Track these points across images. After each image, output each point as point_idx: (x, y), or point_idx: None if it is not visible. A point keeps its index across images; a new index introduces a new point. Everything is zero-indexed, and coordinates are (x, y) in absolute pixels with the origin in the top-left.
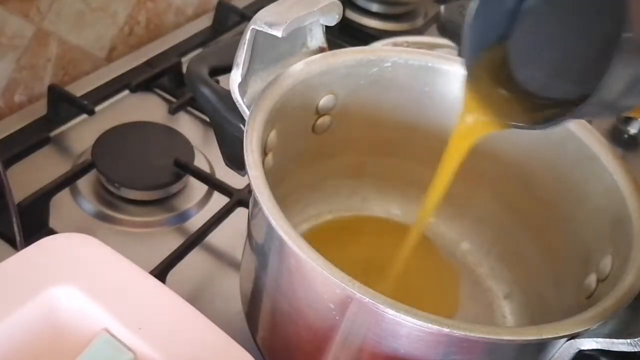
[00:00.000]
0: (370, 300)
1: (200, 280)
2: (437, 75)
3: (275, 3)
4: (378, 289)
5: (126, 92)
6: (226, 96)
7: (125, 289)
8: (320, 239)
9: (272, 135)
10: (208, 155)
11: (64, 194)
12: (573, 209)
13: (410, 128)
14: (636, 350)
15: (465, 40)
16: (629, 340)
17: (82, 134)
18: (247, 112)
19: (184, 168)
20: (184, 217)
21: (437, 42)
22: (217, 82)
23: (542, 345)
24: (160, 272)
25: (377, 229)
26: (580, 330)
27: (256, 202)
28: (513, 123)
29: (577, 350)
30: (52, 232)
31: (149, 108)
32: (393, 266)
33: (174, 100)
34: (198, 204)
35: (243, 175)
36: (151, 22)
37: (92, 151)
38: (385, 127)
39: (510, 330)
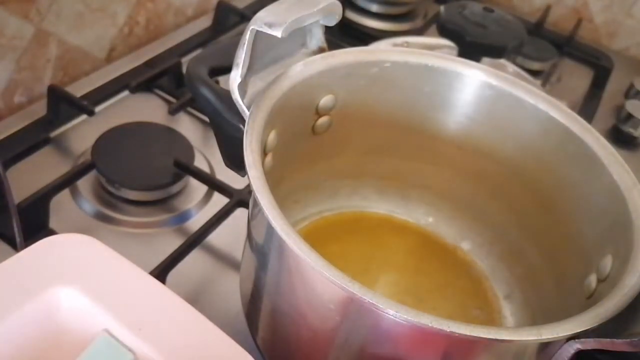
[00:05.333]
0: (370, 301)
1: (200, 280)
2: (437, 75)
3: (275, 3)
4: (378, 288)
5: (126, 92)
6: (226, 96)
7: (126, 290)
8: (320, 238)
9: (272, 135)
10: (208, 155)
11: (64, 195)
12: (573, 209)
13: (410, 128)
14: (636, 350)
15: None
16: (629, 340)
17: (82, 134)
18: (247, 113)
19: (184, 168)
20: (184, 217)
21: (437, 42)
22: (217, 82)
23: (542, 346)
24: (160, 273)
25: (377, 228)
26: (580, 330)
27: (256, 203)
28: None
29: (577, 350)
30: (52, 232)
31: (148, 108)
32: (393, 266)
33: (173, 100)
34: (198, 204)
35: (243, 176)
36: (151, 22)
37: (92, 151)
38: (385, 127)
39: (510, 330)
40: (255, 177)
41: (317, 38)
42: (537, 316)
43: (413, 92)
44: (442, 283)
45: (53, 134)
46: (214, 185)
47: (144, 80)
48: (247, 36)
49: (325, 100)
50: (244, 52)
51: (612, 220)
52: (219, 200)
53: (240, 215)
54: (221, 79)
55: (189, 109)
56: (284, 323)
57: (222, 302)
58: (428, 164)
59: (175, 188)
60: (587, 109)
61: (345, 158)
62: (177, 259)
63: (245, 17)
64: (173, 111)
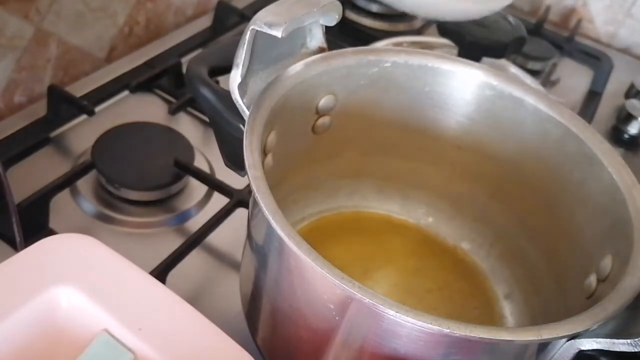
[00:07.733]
0: (370, 301)
1: (200, 280)
2: (437, 75)
3: (275, 3)
4: (378, 289)
5: (126, 92)
6: (226, 96)
7: (125, 290)
8: (320, 238)
9: (272, 135)
10: (208, 155)
11: (64, 195)
12: (573, 209)
13: (410, 128)
14: (636, 350)
15: None
16: (629, 341)
17: (82, 134)
18: (247, 113)
19: (184, 168)
20: (184, 217)
21: (437, 42)
22: (217, 82)
23: (542, 346)
24: (160, 273)
25: (377, 228)
26: (580, 330)
27: (256, 203)
28: None
29: (577, 351)
30: (52, 232)
31: (148, 108)
32: (393, 266)
33: (173, 100)
34: (198, 204)
35: (243, 176)
36: (151, 22)
37: (92, 152)
38: (385, 127)
39: (510, 330)
40: (255, 177)
41: (317, 38)
42: (537, 316)
43: (413, 92)
44: (442, 283)
45: (53, 134)
46: (214, 185)
47: (144, 80)
48: (247, 36)
49: (325, 100)
50: (244, 52)
51: (612, 220)
52: (219, 200)
53: (240, 215)
54: (221, 79)
55: (189, 109)
56: (284, 323)
57: (222, 302)
58: (428, 164)
59: (175, 188)
60: (587, 109)
61: (345, 158)
62: (177, 259)
63: (245, 17)
64: (173, 111)
